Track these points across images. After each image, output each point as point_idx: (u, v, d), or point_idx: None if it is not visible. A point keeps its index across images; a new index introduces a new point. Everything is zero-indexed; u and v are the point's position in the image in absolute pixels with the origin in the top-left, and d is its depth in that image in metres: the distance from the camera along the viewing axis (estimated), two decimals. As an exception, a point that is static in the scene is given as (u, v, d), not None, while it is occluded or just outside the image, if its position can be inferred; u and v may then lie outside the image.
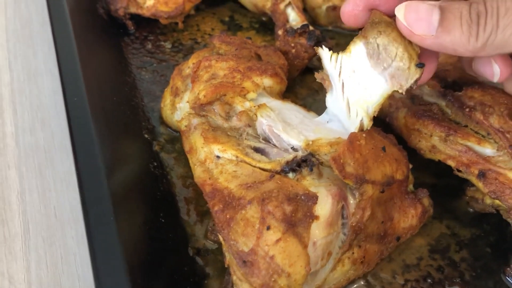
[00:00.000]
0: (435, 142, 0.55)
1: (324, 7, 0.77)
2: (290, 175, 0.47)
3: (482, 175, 0.51)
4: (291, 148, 0.49)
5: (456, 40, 0.42)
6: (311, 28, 0.67)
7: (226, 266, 0.45)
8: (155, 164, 0.59)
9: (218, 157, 0.50)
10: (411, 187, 0.54)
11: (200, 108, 0.53)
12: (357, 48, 0.47)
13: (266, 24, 0.80)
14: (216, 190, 0.47)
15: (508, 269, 0.51)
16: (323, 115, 0.53)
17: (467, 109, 0.54)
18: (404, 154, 0.52)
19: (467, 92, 0.56)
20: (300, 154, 0.48)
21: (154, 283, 0.45)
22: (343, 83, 0.49)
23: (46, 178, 0.61)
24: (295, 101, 0.65)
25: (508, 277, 0.51)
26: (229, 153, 0.49)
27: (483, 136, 0.53)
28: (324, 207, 0.45)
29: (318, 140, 0.49)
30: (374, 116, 0.49)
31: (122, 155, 0.55)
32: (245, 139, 0.51)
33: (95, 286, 0.41)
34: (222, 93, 0.53)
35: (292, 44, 0.65)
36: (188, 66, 0.60)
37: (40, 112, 0.68)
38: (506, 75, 0.47)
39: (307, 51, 0.65)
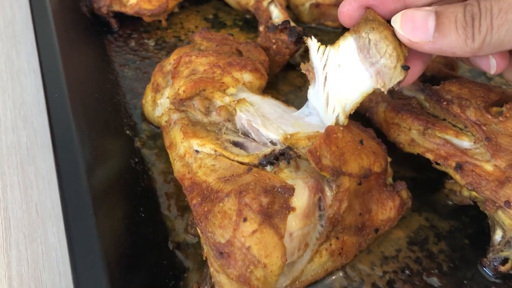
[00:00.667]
0: (413, 136, 0.56)
1: (307, 5, 0.77)
2: (268, 168, 0.48)
3: (459, 167, 0.52)
4: (270, 142, 0.50)
5: (454, 43, 0.42)
6: (292, 24, 0.68)
7: (204, 258, 0.45)
8: (137, 160, 0.59)
9: (197, 151, 0.50)
10: (390, 180, 0.55)
11: (180, 103, 0.54)
12: (347, 43, 0.47)
13: (250, 22, 0.80)
14: (195, 184, 0.47)
15: (485, 259, 0.52)
16: (303, 108, 0.54)
17: (445, 103, 0.55)
18: (383, 148, 0.53)
19: (444, 86, 0.56)
20: (278, 147, 0.49)
21: (133, 276, 0.46)
22: (326, 76, 0.49)
23: (28, 175, 0.61)
24: (277, 97, 0.66)
25: (485, 268, 0.52)
26: (208, 148, 0.50)
27: (460, 129, 0.54)
28: (301, 199, 0.45)
29: (296, 134, 0.49)
30: (350, 114, 0.49)
31: (103, 151, 0.55)
32: (224, 133, 0.52)
33: (72, 280, 0.41)
34: (201, 88, 0.54)
35: (273, 40, 0.66)
36: (169, 63, 0.60)
37: (22, 110, 0.68)
38: (502, 67, 0.48)
39: (288, 47, 0.66)
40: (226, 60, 0.57)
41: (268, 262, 0.42)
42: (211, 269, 0.44)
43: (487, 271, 0.52)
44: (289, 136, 0.49)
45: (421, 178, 0.59)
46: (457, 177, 0.52)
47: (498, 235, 0.51)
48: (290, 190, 0.44)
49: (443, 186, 0.56)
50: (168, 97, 0.56)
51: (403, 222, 0.55)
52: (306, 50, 0.72)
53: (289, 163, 0.47)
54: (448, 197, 0.57)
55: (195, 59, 0.56)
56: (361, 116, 0.62)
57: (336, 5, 0.76)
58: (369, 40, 0.45)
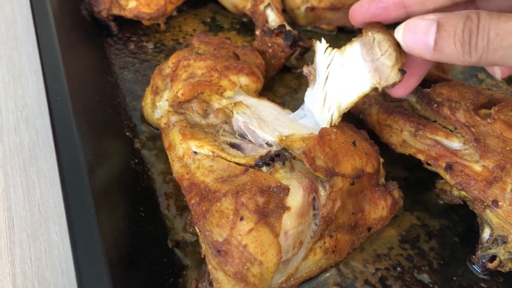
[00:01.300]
0: (405, 137, 0.58)
1: (302, 8, 0.79)
2: (264, 169, 0.49)
3: (449, 167, 0.53)
4: (266, 143, 0.51)
5: (452, 56, 0.44)
6: (287, 28, 0.69)
7: (202, 256, 0.47)
8: (136, 160, 0.61)
9: (195, 152, 0.52)
10: (382, 180, 0.57)
11: (178, 106, 0.55)
12: (353, 46, 0.50)
13: (246, 25, 0.82)
14: (193, 184, 0.49)
15: (474, 257, 0.53)
16: (299, 110, 0.56)
17: (435, 105, 0.56)
18: (375, 149, 0.55)
19: (435, 89, 0.58)
20: (274, 149, 0.50)
21: (134, 273, 0.47)
22: (328, 75, 0.51)
23: (30, 175, 0.63)
24: (273, 99, 0.68)
25: (474, 265, 0.53)
26: (205, 149, 0.51)
27: (450, 130, 0.56)
28: (296, 198, 0.47)
29: (291, 136, 0.51)
30: (344, 113, 0.51)
31: (104, 152, 0.57)
32: (222, 135, 0.53)
33: (75, 277, 0.43)
34: (199, 91, 0.55)
35: (269, 44, 0.67)
36: (168, 66, 0.62)
37: (24, 112, 0.70)
38: (507, 73, 0.50)
39: (283, 50, 0.67)
40: (223, 63, 0.58)
41: (264, 259, 0.43)
42: (209, 267, 0.45)
43: (476, 268, 0.53)
44: (284, 138, 0.51)
45: (413, 178, 0.61)
46: (447, 177, 0.54)
47: (486, 233, 0.53)
48: (285, 190, 0.46)
49: (434, 186, 0.58)
50: (167, 100, 0.57)
51: (395, 220, 0.57)
52: (302, 53, 0.74)
53: (284, 164, 0.49)
54: (438, 196, 0.59)
55: (193, 62, 0.58)
56: (354, 117, 0.63)
57: (331, 8, 0.78)
58: (374, 38, 0.47)
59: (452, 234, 0.57)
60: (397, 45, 0.47)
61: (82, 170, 0.50)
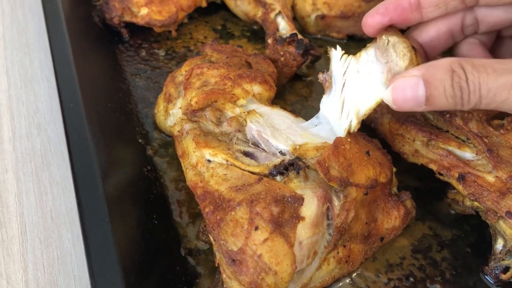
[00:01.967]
0: (417, 147, 0.58)
1: (313, 16, 0.79)
2: (278, 178, 0.49)
3: (461, 178, 0.53)
4: (279, 152, 0.52)
5: (445, 108, 0.46)
6: (299, 36, 0.70)
7: (216, 265, 0.47)
8: (149, 167, 0.61)
9: (209, 161, 0.52)
10: (395, 189, 0.57)
11: (192, 114, 0.56)
12: (368, 52, 0.51)
13: (257, 33, 0.82)
14: (207, 192, 0.49)
15: (487, 267, 0.53)
16: (313, 119, 0.56)
17: (448, 115, 0.56)
18: (388, 158, 0.55)
19: (448, 99, 0.58)
20: (287, 158, 0.50)
21: (147, 282, 0.47)
22: (344, 82, 0.52)
23: (42, 181, 0.63)
24: (284, 107, 0.68)
25: (487, 276, 0.53)
26: (219, 157, 0.51)
27: (463, 140, 0.56)
28: (310, 208, 0.47)
29: (305, 145, 0.51)
30: (362, 120, 0.51)
31: (117, 159, 0.57)
32: (235, 143, 0.53)
33: (90, 284, 0.43)
34: (213, 100, 0.56)
35: (281, 53, 0.68)
36: (181, 74, 0.62)
37: (36, 118, 0.70)
38: None
39: (295, 59, 0.67)
40: (237, 72, 0.59)
41: (279, 269, 0.44)
42: (224, 276, 0.46)
43: (488, 279, 0.53)
44: (298, 147, 0.51)
45: (425, 187, 0.61)
46: (459, 187, 0.54)
47: (499, 244, 0.52)
48: (300, 200, 0.46)
49: (446, 196, 0.58)
50: (180, 108, 0.58)
51: (407, 230, 0.57)
52: (312, 61, 0.74)
53: (298, 173, 0.49)
54: (450, 206, 0.59)
55: (207, 71, 0.58)
56: (366, 126, 0.63)
57: (341, 17, 0.78)
58: (388, 41, 0.48)
59: (464, 245, 0.57)
60: (412, 47, 0.47)
61: (96, 178, 0.50)
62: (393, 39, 0.48)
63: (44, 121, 0.70)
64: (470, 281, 0.54)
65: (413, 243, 0.56)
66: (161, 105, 0.62)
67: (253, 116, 0.55)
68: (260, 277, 0.43)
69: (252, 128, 0.53)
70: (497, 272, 0.52)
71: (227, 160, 0.51)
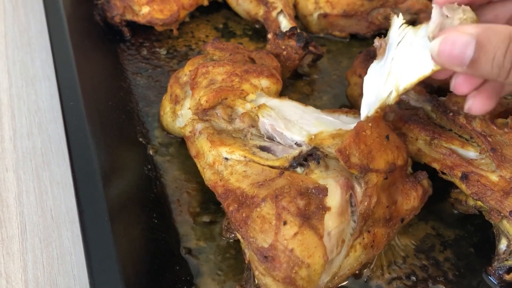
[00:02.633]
0: (420, 146, 0.57)
1: (315, 15, 0.79)
2: (299, 170, 0.49)
3: (465, 177, 0.53)
4: (295, 143, 0.51)
5: (485, 75, 0.42)
6: (299, 30, 0.69)
7: (246, 262, 0.47)
8: (149, 167, 0.60)
9: (226, 159, 0.51)
10: (409, 169, 0.56)
11: (203, 113, 0.55)
12: (428, 25, 0.46)
13: (259, 31, 0.82)
14: (229, 190, 0.49)
15: (490, 268, 0.53)
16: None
17: (451, 114, 0.56)
18: (403, 139, 0.55)
19: (451, 97, 0.57)
20: (304, 148, 0.50)
21: (147, 281, 0.47)
22: (396, 51, 0.50)
23: (43, 180, 0.63)
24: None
25: (490, 276, 0.53)
26: (237, 154, 0.51)
27: (466, 139, 0.55)
28: (334, 198, 0.47)
29: (320, 134, 0.51)
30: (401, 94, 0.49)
31: (117, 158, 0.57)
32: (250, 139, 0.53)
33: (89, 283, 0.43)
34: (223, 97, 0.55)
35: (283, 47, 0.68)
36: (184, 74, 0.62)
37: (37, 117, 0.70)
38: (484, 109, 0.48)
39: (297, 52, 0.68)
40: (242, 68, 0.58)
41: (311, 262, 0.44)
42: (256, 273, 0.46)
43: (492, 279, 0.53)
44: (313, 137, 0.51)
45: (428, 187, 0.61)
46: (462, 186, 0.53)
47: (503, 244, 0.52)
48: (324, 191, 0.46)
49: (449, 196, 0.57)
50: (189, 108, 0.57)
51: (410, 230, 0.56)
52: (314, 60, 0.73)
53: (319, 163, 0.49)
54: (453, 206, 0.58)
55: (212, 69, 0.58)
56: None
57: (344, 15, 0.78)
58: (447, 9, 0.45)
59: (467, 245, 0.56)
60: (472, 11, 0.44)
61: (96, 177, 0.50)
62: (453, 6, 0.44)
63: (45, 120, 0.70)
64: (473, 282, 0.53)
65: (416, 243, 0.56)
66: (167, 106, 0.62)
67: (265, 110, 0.54)
68: (294, 271, 0.44)
69: (265, 122, 0.53)
70: (500, 272, 0.52)
71: (245, 157, 0.51)
